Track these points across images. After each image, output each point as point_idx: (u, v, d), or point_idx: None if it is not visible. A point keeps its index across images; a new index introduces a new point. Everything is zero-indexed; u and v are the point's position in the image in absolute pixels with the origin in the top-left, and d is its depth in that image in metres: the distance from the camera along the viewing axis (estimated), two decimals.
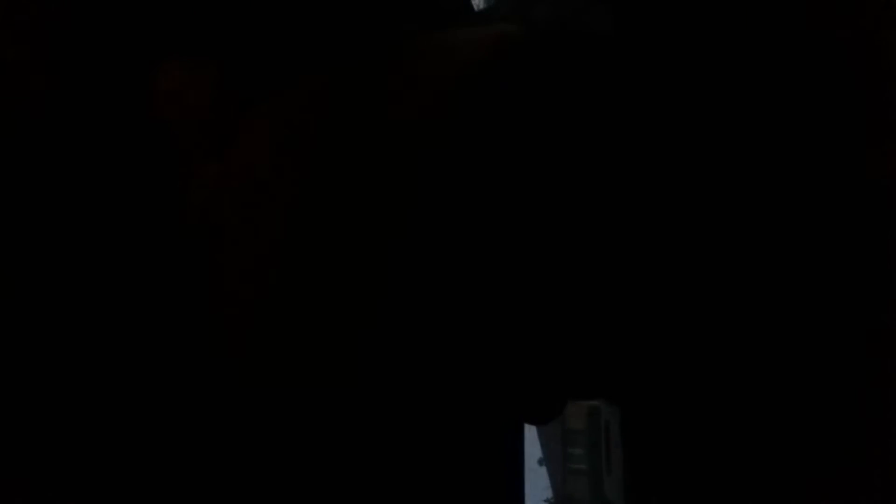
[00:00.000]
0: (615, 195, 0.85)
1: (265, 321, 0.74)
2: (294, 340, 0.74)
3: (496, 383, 0.85)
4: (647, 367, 0.89)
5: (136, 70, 0.79)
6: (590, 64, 0.86)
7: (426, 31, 0.84)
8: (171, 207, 0.75)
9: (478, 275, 0.79)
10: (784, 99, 0.82)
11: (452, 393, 0.84)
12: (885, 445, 0.77)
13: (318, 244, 0.73)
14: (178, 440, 0.83)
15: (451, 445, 0.90)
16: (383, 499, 0.87)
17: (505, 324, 0.83)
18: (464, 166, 0.75)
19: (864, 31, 0.80)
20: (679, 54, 0.84)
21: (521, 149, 0.79)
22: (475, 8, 1.00)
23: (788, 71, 0.81)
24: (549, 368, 0.86)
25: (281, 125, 0.74)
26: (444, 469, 0.90)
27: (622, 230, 0.85)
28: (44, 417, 0.81)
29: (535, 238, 0.82)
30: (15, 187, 0.79)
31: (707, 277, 0.84)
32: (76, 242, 0.80)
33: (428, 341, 0.77)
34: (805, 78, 0.81)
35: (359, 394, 0.76)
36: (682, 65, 0.84)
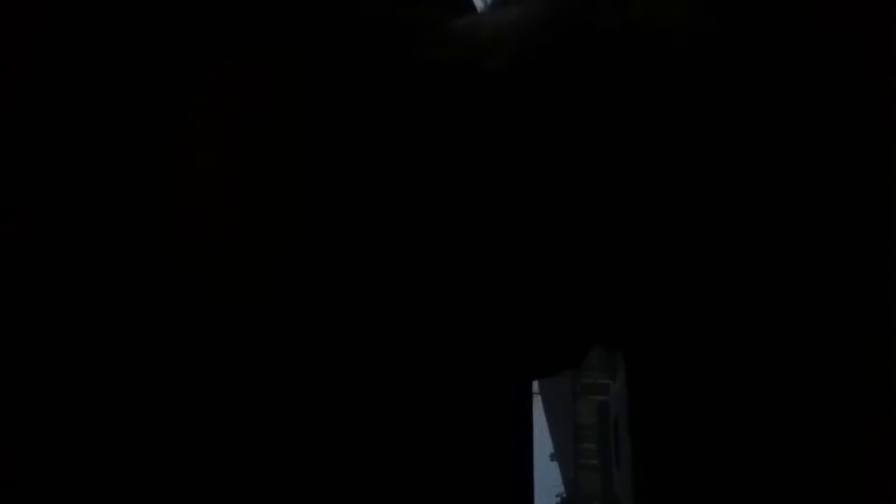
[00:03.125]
0: (620, 184, 0.85)
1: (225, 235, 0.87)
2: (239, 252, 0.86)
3: (503, 323, 0.87)
4: (657, 361, 0.90)
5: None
6: (596, 62, 0.86)
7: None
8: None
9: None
10: (786, 98, 0.82)
11: (457, 334, 0.86)
12: (886, 445, 0.77)
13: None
14: (177, 439, 0.83)
15: (460, 439, 0.90)
16: (394, 493, 0.87)
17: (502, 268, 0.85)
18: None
19: (867, 30, 0.80)
20: (682, 52, 0.84)
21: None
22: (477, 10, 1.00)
23: (790, 70, 0.81)
24: (561, 309, 0.87)
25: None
26: (454, 464, 0.90)
27: (631, 221, 0.86)
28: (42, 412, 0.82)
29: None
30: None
31: (716, 278, 0.84)
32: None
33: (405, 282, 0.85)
34: (806, 77, 0.81)
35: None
36: (685, 63, 0.84)
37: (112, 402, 0.82)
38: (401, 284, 0.87)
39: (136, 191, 0.83)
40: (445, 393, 0.90)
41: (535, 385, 1.29)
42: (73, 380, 0.82)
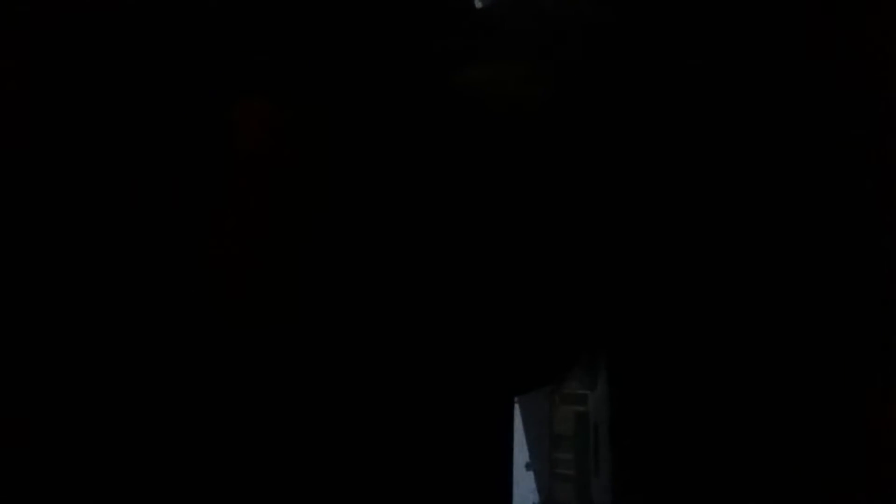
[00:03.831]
0: (614, 183, 0.85)
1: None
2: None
3: (488, 340, 0.87)
4: (639, 362, 0.90)
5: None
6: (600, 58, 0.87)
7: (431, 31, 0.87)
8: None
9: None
10: (784, 97, 0.82)
11: (443, 350, 0.87)
12: (882, 446, 0.77)
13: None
14: (178, 440, 0.83)
15: (442, 448, 0.90)
16: (374, 501, 0.87)
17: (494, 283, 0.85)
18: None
19: (864, 30, 0.80)
20: (680, 51, 0.84)
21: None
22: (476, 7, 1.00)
23: (788, 69, 0.81)
24: (547, 325, 0.88)
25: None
26: (435, 472, 0.90)
27: (623, 221, 0.86)
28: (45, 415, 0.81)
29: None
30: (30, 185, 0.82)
31: (704, 279, 0.84)
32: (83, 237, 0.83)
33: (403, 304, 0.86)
34: (804, 77, 0.81)
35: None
36: (682, 62, 0.84)
37: (114, 402, 0.82)
38: (397, 293, 0.87)
39: (157, 207, 0.84)
40: (428, 401, 0.90)
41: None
42: (76, 380, 0.82)
